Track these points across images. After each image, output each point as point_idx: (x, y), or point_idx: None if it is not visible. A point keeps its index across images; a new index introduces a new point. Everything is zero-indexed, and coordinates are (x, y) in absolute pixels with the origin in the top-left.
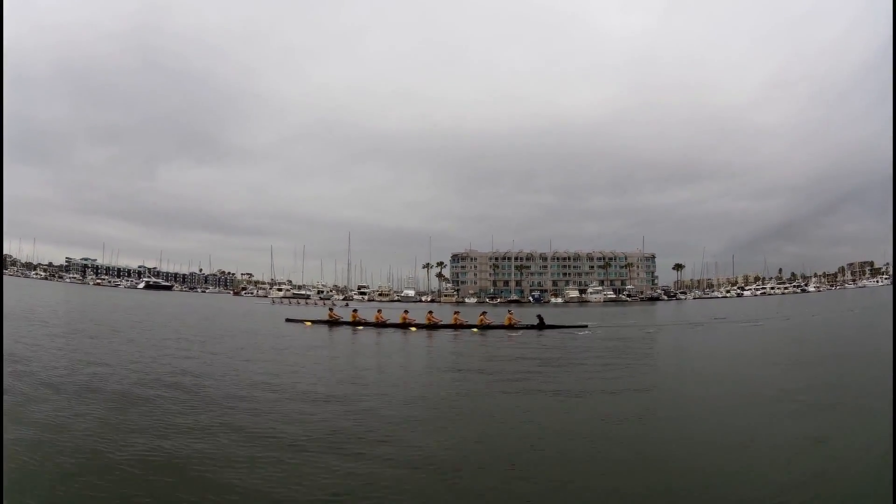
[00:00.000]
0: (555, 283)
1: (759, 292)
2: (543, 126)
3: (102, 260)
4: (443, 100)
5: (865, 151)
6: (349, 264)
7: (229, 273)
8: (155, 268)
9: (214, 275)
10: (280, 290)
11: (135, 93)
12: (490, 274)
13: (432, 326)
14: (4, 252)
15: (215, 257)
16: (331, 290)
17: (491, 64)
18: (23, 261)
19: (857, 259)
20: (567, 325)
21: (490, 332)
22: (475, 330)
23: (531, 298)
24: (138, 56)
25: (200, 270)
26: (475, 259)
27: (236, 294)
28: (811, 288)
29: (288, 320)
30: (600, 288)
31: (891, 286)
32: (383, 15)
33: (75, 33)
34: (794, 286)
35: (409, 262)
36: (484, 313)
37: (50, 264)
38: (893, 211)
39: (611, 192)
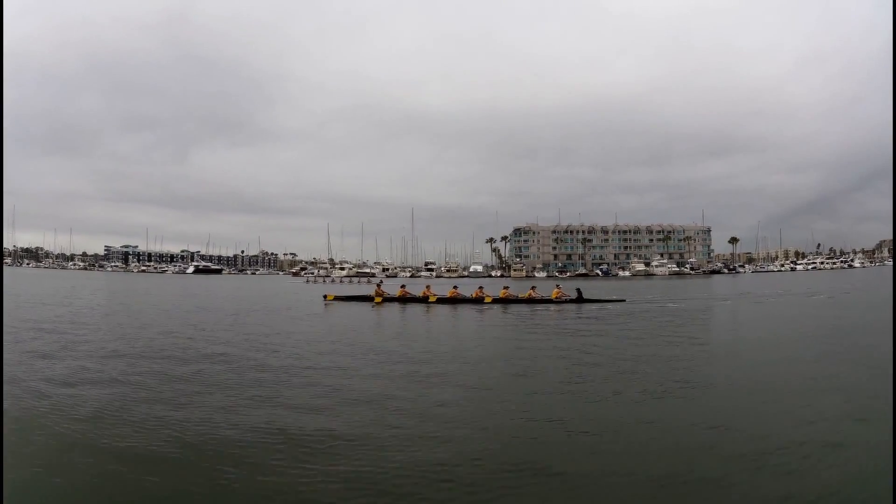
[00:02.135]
0: (616, 256)
1: (810, 267)
2: (580, 100)
3: (146, 247)
4: (480, 77)
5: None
6: (404, 241)
7: (272, 254)
8: (199, 251)
9: (257, 256)
10: (342, 269)
11: (166, 80)
12: (553, 248)
13: (477, 300)
14: (38, 245)
15: (253, 239)
16: (397, 268)
17: (528, 39)
18: (56, 252)
19: (887, 236)
20: (604, 298)
21: (534, 306)
22: (491, 300)
23: (599, 272)
24: (168, 44)
25: (243, 252)
26: (537, 233)
27: (296, 276)
28: (856, 264)
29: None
30: (665, 261)
31: None
32: None
33: (103, 26)
34: (841, 262)
35: (460, 238)
36: (533, 288)
37: (84, 254)
38: (893, 197)
39: (647, 166)
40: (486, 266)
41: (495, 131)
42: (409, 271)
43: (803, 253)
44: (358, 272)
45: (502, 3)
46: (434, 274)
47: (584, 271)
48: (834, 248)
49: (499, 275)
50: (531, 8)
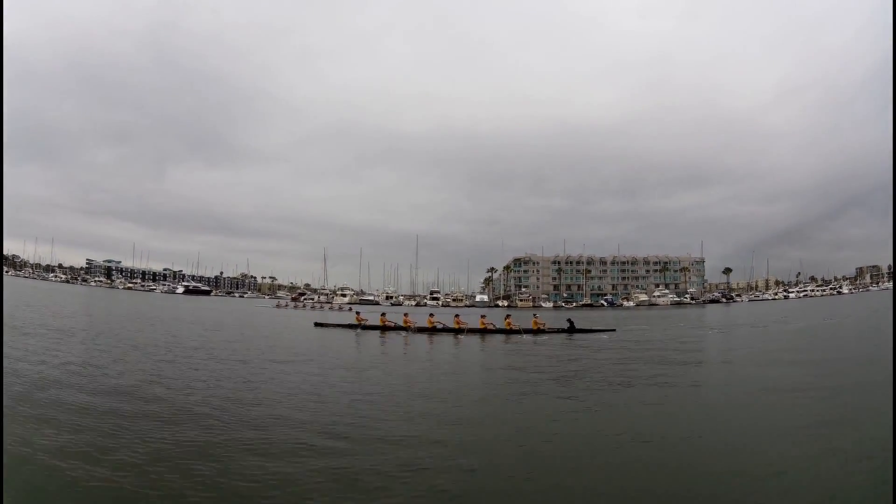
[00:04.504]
0: (614, 286)
1: (801, 295)
2: (556, 129)
3: (131, 262)
4: (459, 102)
5: (872, 155)
6: (396, 269)
7: (252, 276)
8: (181, 270)
9: (237, 279)
10: (344, 295)
11: (147, 92)
12: (553, 278)
13: (458, 331)
14: (14, 254)
15: (227, 259)
16: (401, 296)
17: (508, 66)
18: (31, 262)
19: (862, 263)
20: (595, 329)
21: (517, 337)
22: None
23: (604, 302)
24: (152, 54)
25: (222, 273)
26: (537, 263)
27: (294, 300)
28: (844, 291)
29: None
30: (667, 291)
31: None
32: (402, 17)
33: (88, 29)
34: (831, 289)
35: (431, 266)
36: (508, 316)
37: (60, 265)
38: (893, 216)
39: (620, 196)
40: (491, 297)
41: (471, 160)
42: (415, 300)
43: (783, 282)
44: (360, 300)
45: (485, 28)
46: (440, 303)
47: (588, 302)
48: (813, 276)
49: (505, 304)
50: (513, 34)
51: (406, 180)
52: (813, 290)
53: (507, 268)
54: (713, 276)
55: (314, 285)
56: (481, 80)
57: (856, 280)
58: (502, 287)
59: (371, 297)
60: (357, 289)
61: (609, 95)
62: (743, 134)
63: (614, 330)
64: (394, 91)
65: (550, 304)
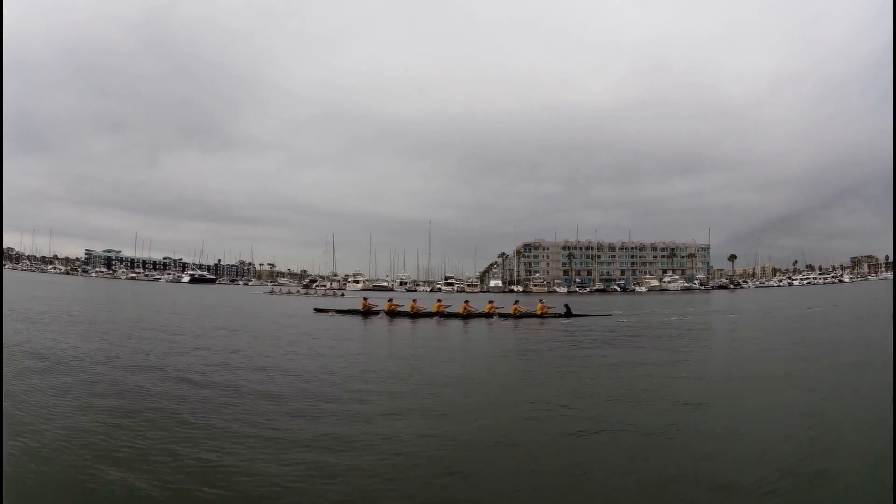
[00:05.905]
0: (622, 272)
1: (805, 282)
2: (552, 116)
3: (133, 251)
4: (455, 90)
5: (866, 149)
6: (397, 255)
7: (249, 263)
8: (181, 259)
9: (235, 266)
10: (357, 282)
11: (141, 80)
12: (563, 263)
13: (466, 315)
14: (9, 246)
15: (220, 247)
16: (416, 282)
17: (505, 55)
18: (26, 254)
19: (855, 253)
20: (592, 313)
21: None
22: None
23: (617, 287)
24: (148, 44)
25: (220, 261)
26: (547, 249)
27: (306, 287)
28: (846, 279)
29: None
30: (677, 277)
31: None
32: (399, 2)
33: (81, 16)
34: (832, 277)
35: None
36: (517, 302)
37: (55, 256)
38: (893, 208)
39: (614, 183)
40: (505, 282)
41: (466, 146)
42: (430, 285)
43: (780, 269)
44: (374, 286)
45: (483, 17)
46: (455, 288)
47: (601, 287)
48: (810, 264)
49: (521, 290)
50: (511, 24)
51: (400, 166)
52: (815, 279)
53: (518, 252)
54: (714, 262)
55: (316, 272)
56: (477, 66)
57: (853, 269)
58: (511, 272)
59: (384, 284)
60: (355, 274)
61: (606, 83)
62: (739, 122)
63: (611, 315)
64: (389, 79)
65: (565, 290)
